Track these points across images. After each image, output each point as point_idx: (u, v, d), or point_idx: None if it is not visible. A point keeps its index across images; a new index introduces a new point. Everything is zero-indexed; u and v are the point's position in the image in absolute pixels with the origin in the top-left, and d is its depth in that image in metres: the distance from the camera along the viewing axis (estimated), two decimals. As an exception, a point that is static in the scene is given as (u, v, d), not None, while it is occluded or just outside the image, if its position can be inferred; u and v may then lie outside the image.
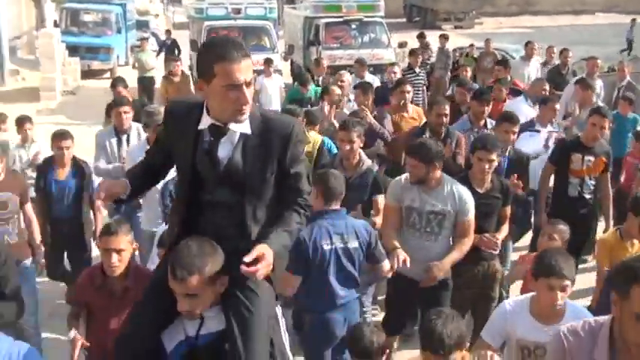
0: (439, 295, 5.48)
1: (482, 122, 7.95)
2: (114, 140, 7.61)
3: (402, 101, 8.58)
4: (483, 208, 5.79)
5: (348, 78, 10.71)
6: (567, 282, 4.03)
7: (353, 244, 5.07)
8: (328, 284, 5.05)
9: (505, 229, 6.09)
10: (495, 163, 5.96)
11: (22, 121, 8.86)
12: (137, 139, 7.61)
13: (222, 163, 3.30)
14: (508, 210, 6.12)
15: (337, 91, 9.39)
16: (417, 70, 14.07)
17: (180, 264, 3.12)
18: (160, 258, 5.37)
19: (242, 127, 3.25)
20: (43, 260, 6.65)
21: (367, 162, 6.52)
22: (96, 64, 24.60)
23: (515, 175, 6.42)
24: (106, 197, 3.44)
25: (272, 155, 3.30)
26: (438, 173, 5.49)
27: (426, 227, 5.47)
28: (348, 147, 6.29)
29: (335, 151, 7.56)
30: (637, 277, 2.91)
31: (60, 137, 7.09)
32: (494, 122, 7.74)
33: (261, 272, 3.04)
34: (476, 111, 7.98)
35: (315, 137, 7.70)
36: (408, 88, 8.80)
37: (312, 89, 11.81)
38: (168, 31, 24.28)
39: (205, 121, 3.28)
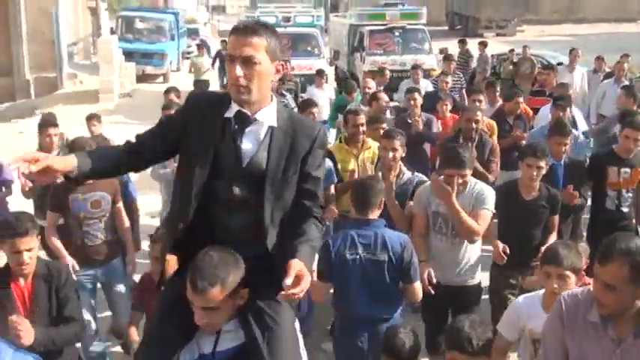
0: (472, 300, 5.45)
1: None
2: None
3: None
4: (529, 215, 5.72)
5: (373, 84, 10.77)
6: (566, 271, 4.08)
7: (382, 256, 4.77)
8: (352, 295, 4.81)
9: (552, 239, 5.73)
10: (543, 171, 5.83)
11: (90, 118, 9.27)
12: None
13: (245, 155, 3.14)
14: (556, 219, 5.94)
15: (385, 97, 9.45)
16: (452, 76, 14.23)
17: (201, 275, 2.93)
18: (152, 252, 5.48)
19: (268, 118, 3.15)
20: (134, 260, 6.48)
21: (407, 173, 6.27)
22: (150, 69, 25.95)
23: (571, 185, 6.30)
24: (38, 163, 2.90)
25: (297, 154, 3.18)
26: (468, 178, 5.40)
27: (452, 230, 5.38)
28: (391, 155, 6.04)
29: None
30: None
31: None
32: (573, 130, 7.70)
33: (302, 293, 2.88)
34: (554, 118, 7.94)
35: (373, 143, 7.32)
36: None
37: (357, 97, 11.72)
38: (224, 42, 25.11)
39: (232, 109, 3.15)
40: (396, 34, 19.79)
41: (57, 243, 5.95)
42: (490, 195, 5.44)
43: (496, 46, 26.63)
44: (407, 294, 4.97)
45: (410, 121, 8.62)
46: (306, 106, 8.92)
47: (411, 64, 17.66)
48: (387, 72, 13.66)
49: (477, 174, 6.25)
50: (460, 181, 5.30)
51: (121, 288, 6.07)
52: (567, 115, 8.48)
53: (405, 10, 21.22)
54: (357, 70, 19.79)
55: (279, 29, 14.08)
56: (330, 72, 20.52)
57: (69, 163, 3.04)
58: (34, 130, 8.25)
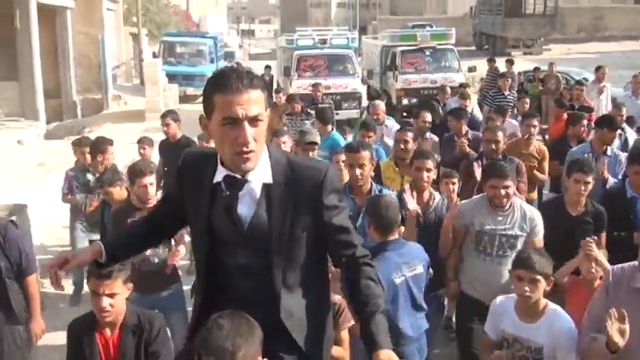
0: None
1: (603, 148, 7.75)
2: None
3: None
4: (575, 232, 5.55)
5: (382, 107, 10.68)
6: (537, 276, 4.17)
7: (419, 268, 4.77)
8: (399, 319, 4.65)
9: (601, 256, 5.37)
10: (590, 187, 5.78)
11: (141, 142, 9.40)
12: None
13: (244, 222, 2.85)
14: (603, 236, 5.80)
15: (428, 117, 9.29)
16: (506, 92, 15.15)
17: (208, 349, 2.61)
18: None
19: (261, 176, 2.81)
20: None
21: (437, 196, 5.97)
22: (191, 90, 27.13)
23: None
24: (67, 266, 2.99)
25: (302, 207, 2.85)
26: (511, 191, 5.37)
27: (498, 251, 5.32)
28: (425, 175, 5.83)
29: None
30: None
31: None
32: (614, 149, 7.80)
33: None
34: (605, 137, 7.80)
35: None
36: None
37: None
38: (268, 67, 25.73)
39: (220, 173, 2.83)
40: (427, 53, 20.69)
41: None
42: (540, 221, 5.43)
43: (523, 64, 27.34)
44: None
45: (456, 139, 8.46)
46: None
47: (441, 82, 18.80)
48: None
49: None
50: (503, 192, 5.28)
51: (179, 316, 5.78)
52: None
53: (434, 31, 22.29)
54: (389, 89, 20.74)
55: (315, 51, 17.43)
56: (363, 91, 21.65)
57: (96, 252, 3.06)
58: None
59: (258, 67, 28.34)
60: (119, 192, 6.48)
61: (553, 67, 18.43)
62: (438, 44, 21.07)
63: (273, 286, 2.88)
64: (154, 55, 28.37)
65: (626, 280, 3.81)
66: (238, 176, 2.79)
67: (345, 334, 4.51)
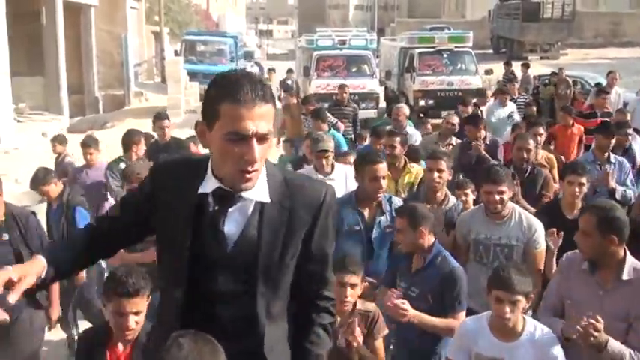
0: None
1: (605, 155, 7.62)
2: None
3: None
4: (572, 235, 5.08)
5: (405, 111, 10.24)
6: (518, 296, 3.89)
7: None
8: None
9: None
10: (585, 188, 5.77)
11: (157, 119, 9.34)
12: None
13: (229, 241, 2.54)
14: None
15: (454, 120, 9.30)
16: (515, 96, 14.76)
17: None
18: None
19: (257, 194, 2.52)
20: None
21: (452, 199, 5.96)
22: (210, 89, 27.57)
23: None
24: (15, 290, 2.38)
25: (296, 232, 2.59)
26: (506, 197, 5.23)
27: (493, 261, 5.17)
28: (436, 176, 5.80)
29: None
30: None
31: None
32: (617, 156, 7.68)
33: None
34: (601, 144, 7.69)
35: (417, 168, 7.15)
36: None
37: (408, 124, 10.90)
38: (290, 70, 25.81)
39: (209, 184, 2.52)
40: (444, 56, 20.95)
41: (129, 255, 5.57)
42: (541, 231, 5.27)
43: (540, 68, 27.62)
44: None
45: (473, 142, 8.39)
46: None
47: (457, 84, 19.08)
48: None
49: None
50: (497, 198, 5.14)
51: None
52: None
53: (452, 33, 22.56)
54: (407, 90, 21.04)
55: (335, 51, 17.50)
56: (380, 91, 21.99)
57: (40, 268, 2.52)
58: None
59: (278, 67, 28.80)
60: (54, 189, 6.78)
61: (562, 72, 18.58)
62: (456, 47, 21.32)
63: (256, 316, 2.59)
64: (176, 54, 28.84)
65: (577, 263, 4.29)
66: (230, 190, 2.48)
67: (379, 343, 4.49)
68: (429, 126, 12.24)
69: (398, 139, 7.15)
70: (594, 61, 36.74)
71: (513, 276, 3.91)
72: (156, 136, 9.40)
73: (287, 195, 2.58)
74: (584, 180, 5.76)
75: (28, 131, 19.42)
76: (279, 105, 16.90)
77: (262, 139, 2.38)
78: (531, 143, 6.93)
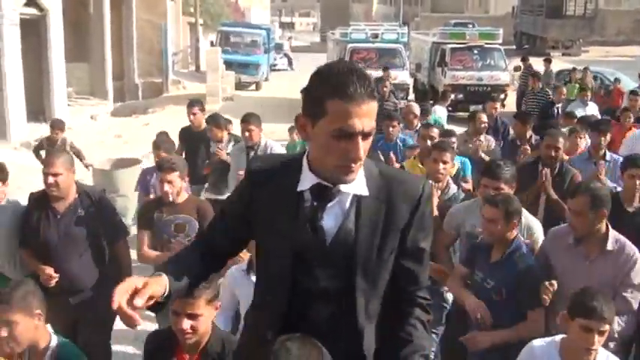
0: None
1: (601, 153, 7.49)
2: (243, 155, 7.55)
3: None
4: (633, 227, 5.17)
5: (416, 111, 9.79)
6: (607, 326, 3.61)
7: None
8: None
9: None
10: None
11: (190, 106, 9.03)
12: (264, 152, 7.51)
13: (328, 236, 2.48)
14: None
15: (484, 118, 9.08)
16: (536, 92, 15.15)
17: None
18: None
19: (356, 187, 2.46)
20: None
21: (454, 187, 6.03)
22: (245, 78, 28.73)
23: None
24: (138, 299, 2.30)
25: (395, 225, 2.51)
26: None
27: None
28: (441, 167, 5.85)
29: (469, 172, 7.23)
30: None
31: None
32: (612, 154, 7.60)
33: None
34: (594, 142, 7.64)
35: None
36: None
37: (432, 118, 10.97)
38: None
39: (307, 180, 2.48)
40: (475, 52, 21.85)
41: (152, 252, 5.58)
42: (540, 233, 5.15)
43: (561, 64, 28.26)
44: None
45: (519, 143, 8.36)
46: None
47: (487, 79, 19.98)
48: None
49: (556, 206, 6.17)
50: (492, 193, 4.93)
51: None
52: None
53: (483, 30, 23.53)
54: (437, 84, 21.92)
55: (367, 44, 18.75)
56: (410, 83, 22.89)
57: (162, 284, 2.45)
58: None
59: (302, 59, 29.40)
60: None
61: (587, 71, 18.52)
62: (486, 43, 22.19)
63: (355, 315, 2.52)
64: (212, 44, 29.91)
65: (564, 238, 4.61)
66: (330, 185, 2.43)
67: None
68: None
69: (436, 130, 7.24)
70: (616, 59, 37.36)
71: (602, 303, 3.61)
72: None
73: (384, 188, 2.49)
74: None
75: (78, 114, 20.58)
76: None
77: (367, 136, 2.32)
78: (560, 141, 6.67)
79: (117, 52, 24.62)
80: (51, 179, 5.20)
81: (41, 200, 5.39)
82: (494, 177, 5.01)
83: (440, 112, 12.65)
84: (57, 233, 5.28)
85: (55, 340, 3.77)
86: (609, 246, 4.44)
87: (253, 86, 29.33)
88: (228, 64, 26.94)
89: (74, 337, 4.93)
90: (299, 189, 2.47)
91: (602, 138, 7.53)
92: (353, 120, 2.26)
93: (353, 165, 2.34)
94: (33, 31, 17.94)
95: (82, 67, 23.07)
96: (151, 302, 2.37)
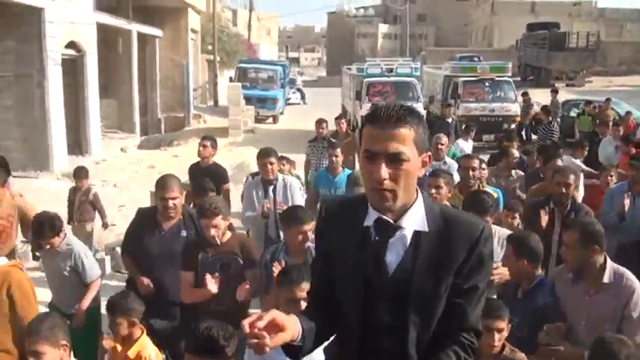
0: None
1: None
2: (260, 191, 7.45)
3: None
4: None
5: (445, 140, 9.95)
6: (503, 324, 4.17)
7: None
8: None
9: None
10: None
11: (203, 139, 9.28)
12: (282, 190, 7.43)
13: (390, 270, 2.57)
14: None
15: (516, 154, 9.22)
16: (550, 124, 15.82)
17: None
18: None
19: (415, 222, 2.57)
20: None
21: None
22: (263, 112, 29.91)
23: None
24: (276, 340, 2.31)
25: (452, 264, 2.56)
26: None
27: None
28: (434, 191, 6.05)
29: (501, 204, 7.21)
30: None
31: None
32: None
33: None
34: (635, 175, 7.48)
35: (491, 192, 6.96)
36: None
37: (450, 153, 11.16)
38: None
39: (371, 216, 2.59)
40: (486, 84, 22.84)
41: (197, 291, 5.45)
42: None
43: (566, 94, 29.37)
44: None
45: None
46: None
47: (498, 110, 21.06)
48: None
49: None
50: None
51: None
52: None
53: (493, 64, 24.62)
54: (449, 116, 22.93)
55: (383, 78, 20.07)
56: (424, 115, 23.92)
57: (296, 328, 2.47)
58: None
59: (311, 93, 30.56)
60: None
61: (609, 103, 19.03)
62: (497, 76, 23.23)
63: (406, 349, 2.58)
64: (230, 80, 31.08)
65: (565, 275, 4.76)
66: (391, 221, 2.55)
67: None
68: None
69: (477, 160, 7.31)
70: (618, 88, 38.27)
71: (496, 304, 4.18)
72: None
73: (444, 227, 2.58)
74: None
75: (109, 147, 21.76)
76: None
77: (393, 160, 2.45)
78: (571, 177, 6.50)
79: (141, 89, 25.83)
80: (170, 203, 5.70)
81: (150, 216, 5.93)
82: (480, 210, 5.19)
83: (463, 145, 13.20)
84: (159, 250, 5.77)
85: None
86: (605, 279, 4.45)
87: (270, 119, 30.44)
88: (247, 99, 27.98)
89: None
90: (365, 224, 2.59)
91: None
92: (375, 141, 2.46)
93: (378, 186, 2.46)
94: (72, 70, 19.19)
95: (111, 103, 24.33)
96: (284, 338, 2.35)
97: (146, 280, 5.76)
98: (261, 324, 2.26)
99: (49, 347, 3.84)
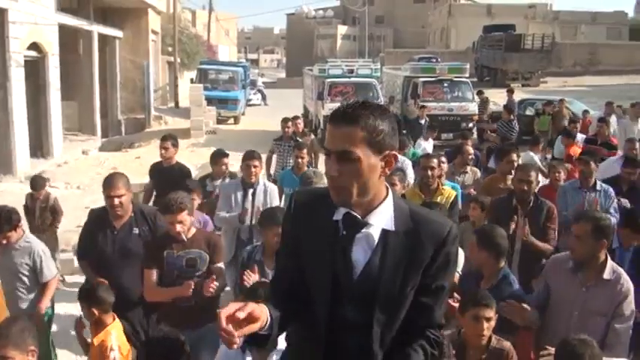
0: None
1: (591, 182, 7.72)
2: (240, 193, 7.47)
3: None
4: None
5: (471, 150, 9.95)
6: (492, 313, 4.26)
7: None
8: None
9: None
10: None
11: (164, 139, 9.10)
12: (262, 195, 7.46)
13: (356, 270, 2.60)
14: None
15: (471, 150, 9.63)
16: (511, 122, 16.85)
17: None
18: None
19: (382, 220, 2.59)
20: None
21: (447, 187, 6.74)
22: (224, 112, 29.98)
23: None
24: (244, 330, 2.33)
25: (419, 263, 2.59)
26: None
27: None
28: (428, 172, 6.85)
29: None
30: None
31: None
32: (602, 184, 7.76)
33: None
34: (584, 170, 7.78)
35: (450, 190, 7.35)
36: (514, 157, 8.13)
37: (410, 152, 11.68)
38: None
39: (340, 211, 2.61)
40: (445, 84, 23.34)
41: (162, 289, 5.44)
42: (461, 258, 5.58)
43: (521, 94, 30.06)
44: None
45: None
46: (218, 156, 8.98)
47: (457, 110, 21.54)
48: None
49: (533, 248, 6.20)
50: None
51: (209, 356, 5.23)
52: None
53: (451, 65, 25.15)
54: (410, 114, 23.25)
55: (344, 79, 20.56)
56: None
57: (265, 316, 2.46)
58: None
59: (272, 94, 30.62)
60: None
61: (563, 104, 19.80)
62: (455, 77, 23.71)
63: (370, 346, 2.61)
64: (191, 81, 31.10)
65: (562, 264, 4.79)
66: (359, 216, 2.58)
67: None
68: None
69: (435, 160, 7.46)
70: (572, 88, 39.12)
71: (484, 294, 4.41)
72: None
73: (412, 226, 2.60)
74: None
75: (70, 149, 21.69)
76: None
77: (343, 158, 2.48)
78: (532, 174, 6.65)
79: (102, 91, 25.71)
80: (116, 201, 5.71)
81: (101, 217, 5.96)
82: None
83: (425, 145, 13.74)
84: (112, 249, 5.81)
85: None
86: (606, 275, 4.55)
87: (232, 120, 30.53)
88: (209, 100, 28.08)
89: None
90: (334, 218, 2.62)
91: (592, 167, 7.75)
92: (330, 139, 2.53)
93: (332, 183, 2.53)
94: (33, 71, 19.10)
95: (72, 105, 24.18)
96: (252, 328, 2.37)
97: (103, 282, 5.60)
98: (241, 315, 2.29)
99: (17, 352, 3.73)
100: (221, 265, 5.59)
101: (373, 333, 2.57)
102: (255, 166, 7.44)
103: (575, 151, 11.67)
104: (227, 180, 8.55)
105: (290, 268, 2.77)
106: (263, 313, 2.42)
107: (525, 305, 4.62)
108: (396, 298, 2.58)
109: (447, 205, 6.92)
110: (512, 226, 6.36)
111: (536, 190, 6.98)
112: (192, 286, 5.23)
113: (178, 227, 5.37)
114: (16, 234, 6.07)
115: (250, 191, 7.41)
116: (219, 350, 4.47)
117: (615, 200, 7.72)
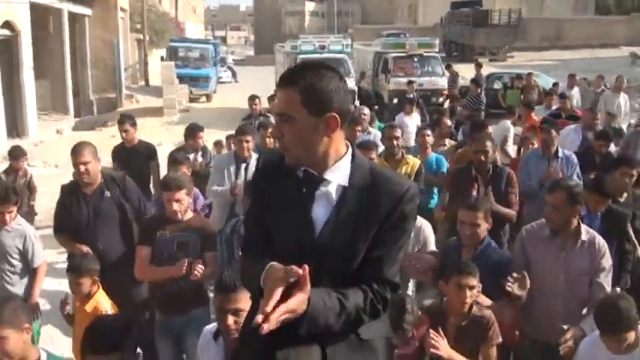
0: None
1: (553, 150, 7.87)
2: (232, 167, 7.48)
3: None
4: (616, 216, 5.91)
5: (367, 111, 10.44)
6: (475, 282, 4.38)
7: None
8: None
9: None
10: (634, 178, 6.49)
11: (122, 122, 9.11)
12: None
13: (317, 226, 2.59)
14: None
15: (449, 123, 9.94)
16: (479, 96, 17.18)
17: None
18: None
19: (338, 176, 2.60)
20: None
21: (411, 159, 7.47)
22: (196, 90, 30.07)
23: None
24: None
25: (375, 217, 2.58)
26: None
27: None
28: (394, 142, 7.37)
29: (444, 168, 8.14)
30: None
31: None
32: (564, 151, 8.01)
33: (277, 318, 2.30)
34: (546, 139, 7.94)
35: (413, 160, 7.64)
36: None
37: (376, 126, 11.48)
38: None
39: (301, 169, 2.62)
40: (415, 60, 23.77)
41: (153, 268, 5.42)
42: (429, 232, 5.98)
43: (489, 69, 30.34)
44: None
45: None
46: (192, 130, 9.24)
47: (427, 85, 21.94)
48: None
49: (497, 215, 6.06)
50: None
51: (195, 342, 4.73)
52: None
53: (421, 40, 25.58)
54: (381, 89, 23.69)
55: (316, 55, 20.97)
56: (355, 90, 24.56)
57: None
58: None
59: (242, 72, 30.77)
60: None
61: (531, 78, 20.27)
62: (425, 52, 24.18)
63: None
64: (162, 59, 31.10)
65: (539, 231, 4.96)
66: (315, 173, 2.59)
67: (493, 351, 4.47)
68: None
69: (399, 130, 7.87)
70: (539, 63, 39.50)
71: (468, 262, 4.59)
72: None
73: (370, 183, 2.60)
74: (634, 172, 6.56)
75: (44, 129, 21.70)
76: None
77: (282, 119, 2.54)
78: (488, 144, 6.82)
79: (73, 70, 25.66)
80: (82, 168, 5.84)
81: (72, 188, 6.13)
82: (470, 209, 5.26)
83: (406, 120, 13.38)
84: (87, 214, 5.95)
85: (44, 355, 3.88)
86: (583, 236, 4.79)
87: (204, 98, 30.64)
88: (180, 78, 28.16)
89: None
90: (297, 172, 2.62)
91: (554, 135, 7.95)
92: (275, 101, 2.64)
93: (278, 144, 2.60)
94: (6, 50, 19.07)
95: (44, 84, 24.12)
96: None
97: (84, 248, 5.77)
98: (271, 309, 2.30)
99: (12, 331, 3.70)
100: (214, 253, 5.55)
101: (322, 285, 2.49)
102: (247, 141, 7.46)
103: (535, 120, 12.01)
104: (199, 154, 8.87)
105: (259, 228, 2.74)
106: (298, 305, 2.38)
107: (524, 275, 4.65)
108: (346, 252, 2.57)
109: (413, 174, 7.28)
110: (474, 193, 6.57)
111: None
112: (185, 265, 5.14)
113: (175, 206, 5.34)
114: (13, 214, 6.02)
115: (243, 165, 7.44)
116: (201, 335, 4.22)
117: (577, 166, 7.92)
